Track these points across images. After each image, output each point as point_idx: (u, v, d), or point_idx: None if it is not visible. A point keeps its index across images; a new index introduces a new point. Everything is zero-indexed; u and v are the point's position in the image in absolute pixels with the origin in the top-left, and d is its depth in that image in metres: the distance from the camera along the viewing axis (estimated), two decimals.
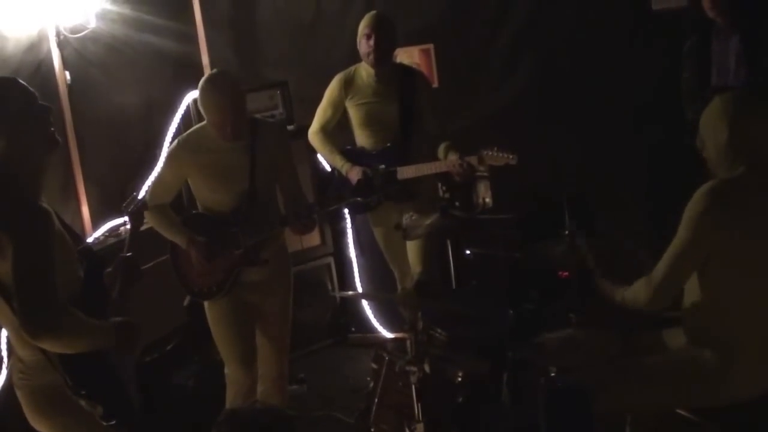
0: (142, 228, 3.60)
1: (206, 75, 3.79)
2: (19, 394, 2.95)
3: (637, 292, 3.07)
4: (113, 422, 2.86)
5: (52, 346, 2.73)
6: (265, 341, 4.07)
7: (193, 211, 4.03)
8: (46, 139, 2.84)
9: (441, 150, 4.52)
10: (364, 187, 3.98)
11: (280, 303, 4.07)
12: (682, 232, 2.93)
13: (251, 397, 4.00)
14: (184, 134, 3.95)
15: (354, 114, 4.68)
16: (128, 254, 3.23)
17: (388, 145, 4.58)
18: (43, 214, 2.73)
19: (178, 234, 3.88)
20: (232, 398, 4.00)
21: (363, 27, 4.54)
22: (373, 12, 4.60)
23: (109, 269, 3.14)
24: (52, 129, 2.86)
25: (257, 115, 4.42)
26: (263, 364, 4.08)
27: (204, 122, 3.84)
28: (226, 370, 4.03)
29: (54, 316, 2.63)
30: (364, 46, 4.53)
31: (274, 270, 3.99)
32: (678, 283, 3.02)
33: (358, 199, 4.07)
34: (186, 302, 4.20)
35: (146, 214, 3.80)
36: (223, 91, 3.68)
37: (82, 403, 2.82)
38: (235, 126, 3.71)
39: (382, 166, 4.52)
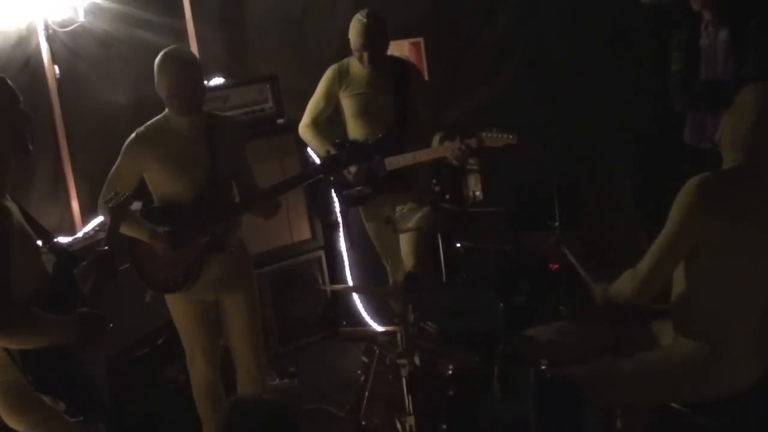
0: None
1: (162, 51, 3.73)
2: None
3: (622, 286, 3.07)
4: (81, 418, 2.85)
5: (7, 343, 2.72)
6: (237, 336, 4.02)
7: (150, 206, 3.92)
8: (17, 142, 2.83)
9: (435, 141, 4.50)
10: (329, 163, 3.95)
11: (246, 296, 4.00)
12: (669, 225, 2.93)
13: (216, 391, 4.02)
14: (141, 127, 3.86)
15: (348, 105, 4.64)
16: (104, 249, 3.20)
17: (381, 136, 4.57)
18: None
19: (138, 228, 3.78)
20: (197, 393, 4.02)
21: (355, 36, 4.45)
22: (365, 21, 4.42)
23: (85, 263, 3.12)
24: (27, 136, 2.84)
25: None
26: (239, 358, 4.05)
27: (160, 115, 3.81)
28: (188, 364, 4.02)
29: (5, 314, 2.61)
30: (357, 52, 4.48)
31: (234, 264, 3.94)
32: (664, 276, 3.01)
33: (320, 176, 4.06)
34: (147, 297, 4.10)
35: (99, 211, 3.75)
36: (179, 61, 3.68)
37: (46, 399, 2.82)
38: (194, 96, 3.70)
39: (378, 157, 4.51)
